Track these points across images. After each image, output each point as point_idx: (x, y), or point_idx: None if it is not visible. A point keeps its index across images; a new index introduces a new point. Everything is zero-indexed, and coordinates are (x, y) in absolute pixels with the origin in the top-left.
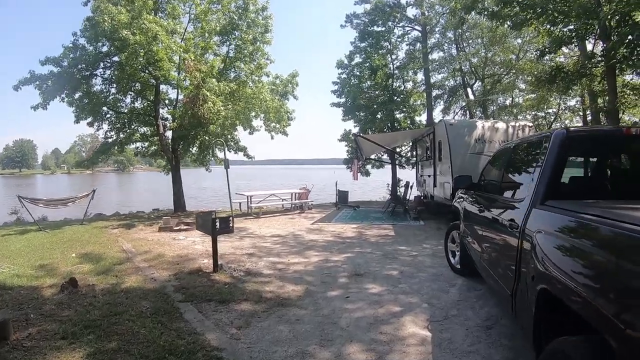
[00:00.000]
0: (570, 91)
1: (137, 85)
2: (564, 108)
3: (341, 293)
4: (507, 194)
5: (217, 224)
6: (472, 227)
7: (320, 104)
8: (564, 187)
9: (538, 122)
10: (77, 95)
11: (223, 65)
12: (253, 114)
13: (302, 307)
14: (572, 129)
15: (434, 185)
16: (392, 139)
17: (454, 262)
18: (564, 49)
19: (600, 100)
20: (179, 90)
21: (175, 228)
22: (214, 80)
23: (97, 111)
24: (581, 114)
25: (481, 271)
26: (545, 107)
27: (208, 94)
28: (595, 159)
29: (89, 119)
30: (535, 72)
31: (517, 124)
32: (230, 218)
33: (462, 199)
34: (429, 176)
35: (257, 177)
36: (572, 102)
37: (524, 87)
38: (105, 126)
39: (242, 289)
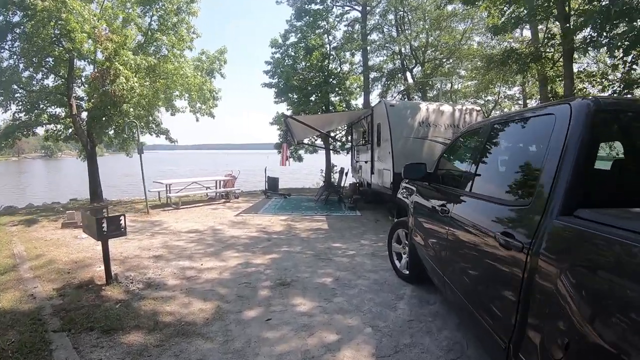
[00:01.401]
0: (522, 75)
1: (49, 60)
2: (503, 96)
3: (261, 313)
4: (488, 191)
5: (104, 225)
6: (425, 227)
7: (258, 86)
8: (598, 188)
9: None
10: None
11: (145, 38)
12: (177, 93)
13: (209, 338)
14: (600, 98)
15: (371, 172)
16: (326, 122)
17: (400, 267)
18: (514, 33)
19: (549, 88)
20: (95, 66)
21: (80, 224)
22: (129, 53)
23: (6, 89)
24: (521, 102)
25: (437, 281)
26: (484, 94)
27: (121, 68)
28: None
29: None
30: (482, 56)
31: (464, 108)
32: (122, 217)
33: (410, 192)
34: (366, 162)
35: (186, 162)
36: (511, 92)
37: (464, 74)
38: (13, 107)
39: (136, 310)
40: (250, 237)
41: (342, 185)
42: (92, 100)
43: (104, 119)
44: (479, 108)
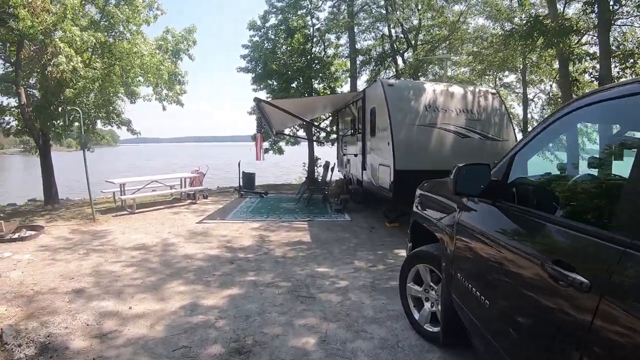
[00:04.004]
0: (549, 49)
1: None
2: (499, 84)
3: None
4: None
5: None
6: (490, 281)
7: (243, 75)
8: None
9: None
10: None
11: (101, 15)
12: (140, 78)
13: None
14: None
15: (363, 168)
16: (308, 107)
17: (421, 319)
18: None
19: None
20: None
21: (8, 237)
22: (74, 28)
23: None
24: (518, 91)
25: None
26: (479, 81)
27: (62, 45)
28: None
29: None
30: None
31: (477, 90)
32: None
33: (443, 209)
34: (355, 155)
35: (165, 155)
36: (508, 79)
37: (458, 60)
38: None
39: None
40: (209, 257)
41: (327, 181)
42: (25, 84)
43: (51, 108)
44: (494, 91)
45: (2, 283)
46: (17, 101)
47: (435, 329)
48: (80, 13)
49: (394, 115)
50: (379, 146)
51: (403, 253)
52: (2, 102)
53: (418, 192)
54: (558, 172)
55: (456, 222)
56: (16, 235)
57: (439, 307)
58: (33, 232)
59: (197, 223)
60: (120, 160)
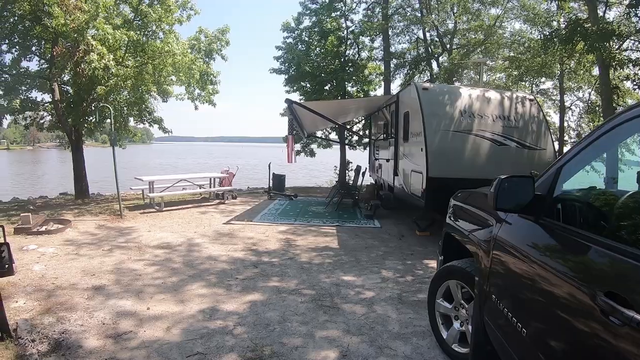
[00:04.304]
0: (592, 54)
1: (33, 41)
2: (536, 91)
3: None
4: None
5: None
6: (529, 301)
7: (276, 77)
8: None
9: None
10: None
11: (134, 15)
12: (173, 78)
13: None
14: None
15: (395, 174)
16: (340, 110)
17: (449, 338)
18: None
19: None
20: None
21: (35, 230)
22: (107, 26)
23: None
24: (555, 98)
25: None
26: (515, 88)
27: (94, 42)
28: None
29: None
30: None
31: (514, 96)
32: (2, 249)
33: (479, 222)
34: (387, 161)
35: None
36: (545, 85)
37: (493, 65)
38: None
39: None
40: (233, 259)
41: (358, 186)
42: (58, 80)
43: (84, 104)
44: (532, 97)
45: (24, 276)
46: (51, 97)
47: (464, 350)
48: (115, 12)
49: (428, 120)
50: (412, 152)
51: (433, 264)
52: (36, 97)
53: (452, 202)
54: (605, 187)
55: (494, 237)
56: (43, 228)
57: (469, 327)
58: (60, 226)
59: (223, 224)
60: (152, 158)
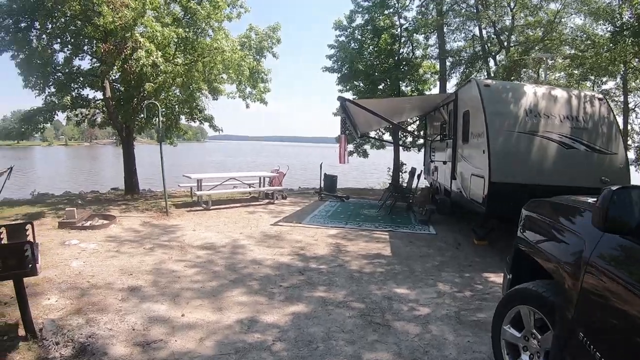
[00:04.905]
0: None
1: (85, 40)
2: (598, 91)
3: None
4: None
5: None
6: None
7: (328, 77)
8: None
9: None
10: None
11: (183, 13)
12: (224, 76)
13: None
14: None
15: (452, 177)
16: (394, 109)
17: None
18: None
19: None
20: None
21: (79, 224)
22: (155, 24)
23: (46, 72)
24: (617, 99)
25: None
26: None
27: (142, 40)
28: None
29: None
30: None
31: (582, 94)
32: (25, 248)
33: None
34: (444, 163)
35: (245, 153)
36: (606, 86)
37: (552, 62)
38: (48, 89)
39: None
40: (278, 264)
41: (412, 189)
42: (102, 78)
43: (134, 101)
44: (601, 96)
45: (61, 272)
46: (103, 94)
47: None
48: (165, 11)
49: (491, 119)
50: (471, 154)
51: (493, 278)
52: (87, 95)
53: (525, 213)
54: None
55: (586, 260)
56: (88, 224)
57: None
58: (105, 222)
59: (271, 225)
60: (204, 155)
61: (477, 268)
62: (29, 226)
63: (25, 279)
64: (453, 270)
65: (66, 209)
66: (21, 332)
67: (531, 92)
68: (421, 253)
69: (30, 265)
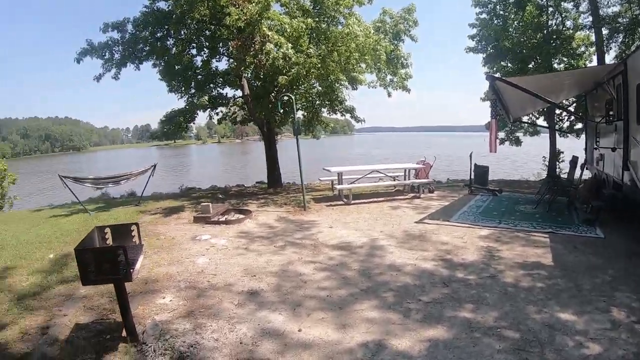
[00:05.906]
0: None
1: (219, 43)
2: None
3: None
4: None
5: (91, 265)
6: None
7: (473, 59)
8: None
9: None
10: (161, 62)
11: (312, 4)
12: (362, 65)
13: None
14: None
15: (625, 168)
16: (551, 87)
17: None
18: None
19: None
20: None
21: (214, 219)
22: (282, 16)
23: (187, 77)
24: None
25: None
26: None
27: (270, 33)
28: None
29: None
30: None
31: None
32: (119, 253)
33: None
34: (613, 150)
35: (392, 144)
36: None
37: None
38: (189, 92)
39: None
40: (419, 271)
41: (573, 182)
42: (235, 73)
43: (270, 96)
44: None
45: (184, 269)
46: (242, 92)
47: None
48: (295, 5)
49: None
50: None
51: None
52: (226, 93)
53: None
54: None
55: None
56: (223, 218)
57: None
58: (240, 216)
59: (415, 222)
60: (350, 147)
61: None
62: (134, 227)
63: (146, 275)
64: (629, 290)
65: (202, 203)
66: (124, 332)
67: None
68: (589, 263)
69: (124, 271)
